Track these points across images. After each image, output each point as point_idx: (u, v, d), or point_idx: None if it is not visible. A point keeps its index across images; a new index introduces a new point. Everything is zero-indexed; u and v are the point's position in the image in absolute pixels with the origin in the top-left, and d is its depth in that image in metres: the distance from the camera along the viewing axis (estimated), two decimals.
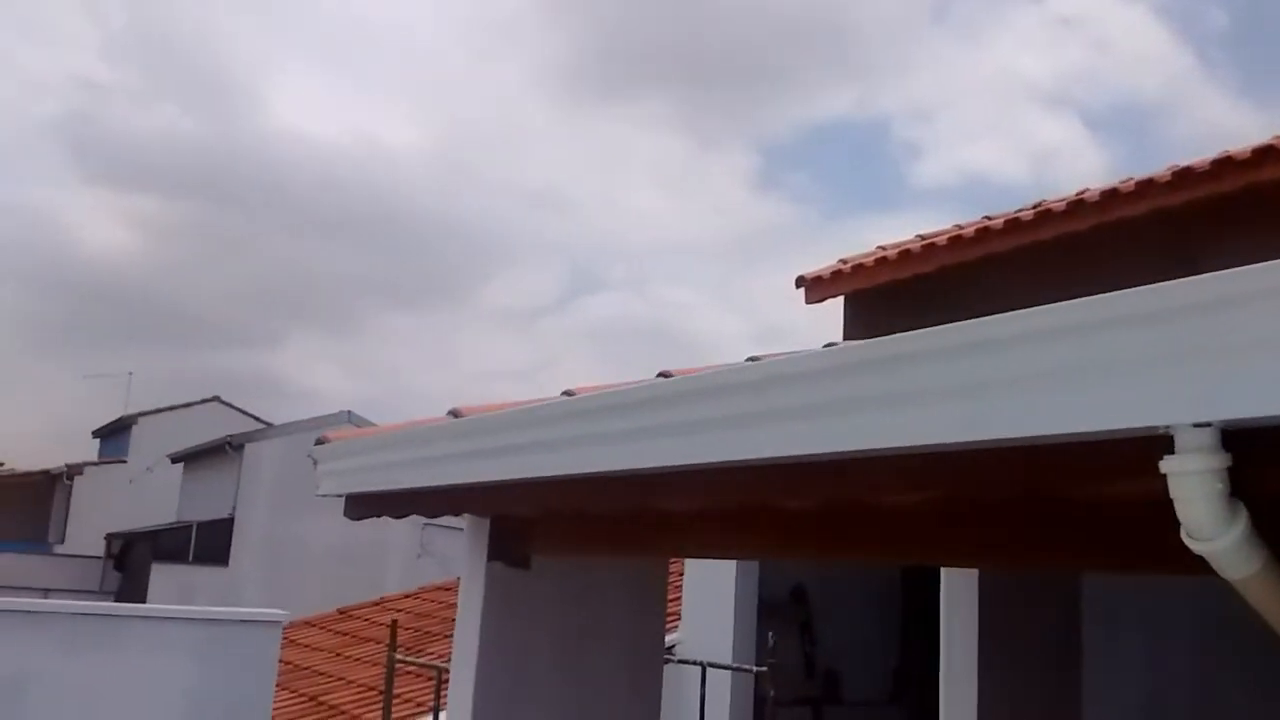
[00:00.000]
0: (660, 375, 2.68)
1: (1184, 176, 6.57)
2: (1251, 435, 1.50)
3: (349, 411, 21.89)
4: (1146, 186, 6.70)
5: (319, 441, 4.26)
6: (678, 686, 6.87)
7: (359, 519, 4.28)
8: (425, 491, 3.63)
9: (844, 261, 9.02)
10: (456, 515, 4.35)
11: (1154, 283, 5.29)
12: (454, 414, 4.35)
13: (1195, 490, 1.53)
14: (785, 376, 2.16)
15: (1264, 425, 1.45)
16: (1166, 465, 1.55)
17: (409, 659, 7.02)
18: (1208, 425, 1.50)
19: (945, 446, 1.85)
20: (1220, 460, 1.52)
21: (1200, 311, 1.50)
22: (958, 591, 4.07)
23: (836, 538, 2.79)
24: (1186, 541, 1.58)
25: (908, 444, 1.91)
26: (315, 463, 4.25)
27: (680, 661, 7.16)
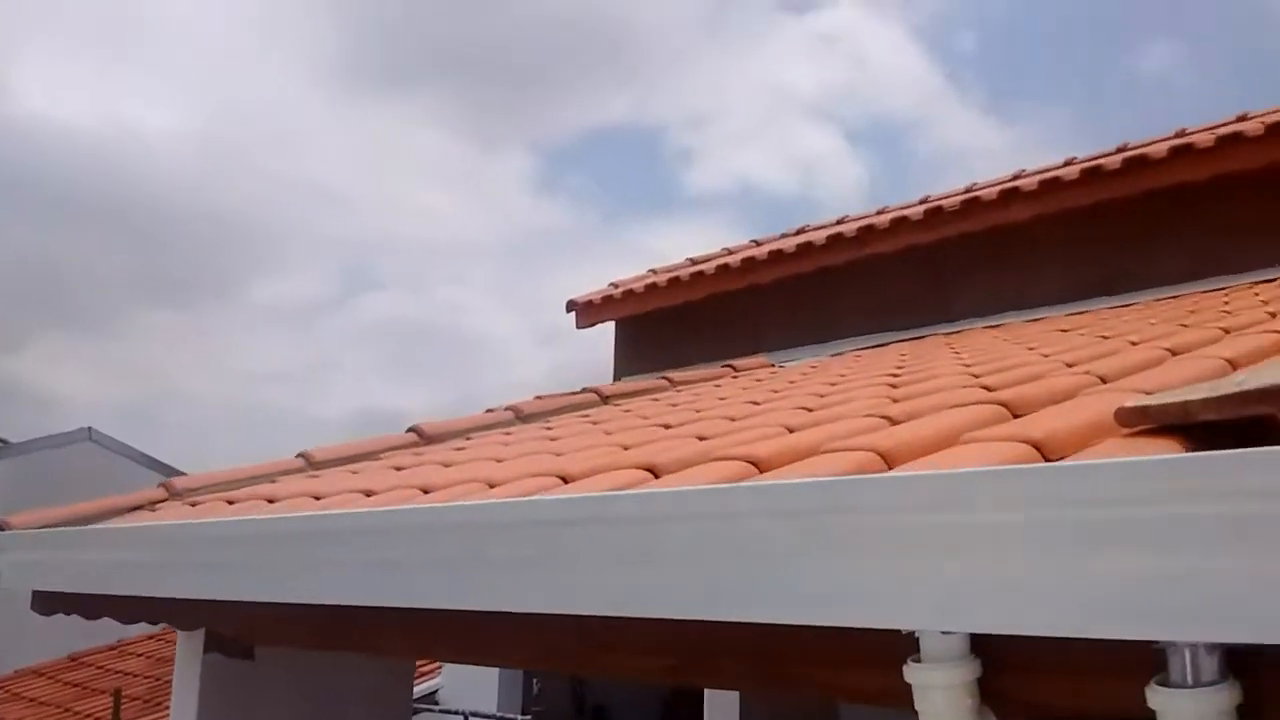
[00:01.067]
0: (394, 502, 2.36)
1: (935, 215, 6.77)
2: (1004, 641, 1.34)
3: (89, 429, 20.04)
4: (900, 224, 6.87)
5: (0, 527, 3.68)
6: None
7: (48, 614, 3.73)
8: (120, 599, 3.17)
9: (615, 285, 8.90)
10: (156, 624, 3.86)
11: (909, 315, 5.28)
12: (165, 487, 3.86)
13: (940, 704, 1.37)
14: (496, 525, 1.90)
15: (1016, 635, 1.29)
16: (910, 674, 1.38)
17: None
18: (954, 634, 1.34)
19: (676, 619, 1.64)
20: (969, 670, 1.36)
21: (945, 509, 1.32)
22: None
23: (590, 661, 2.53)
24: None
25: (629, 614, 1.69)
26: None
27: (443, 711, 6.81)
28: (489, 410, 7.49)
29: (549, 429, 4.20)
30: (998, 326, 6.10)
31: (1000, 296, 6.57)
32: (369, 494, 2.81)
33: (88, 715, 9.21)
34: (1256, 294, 4.69)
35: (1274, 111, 6.76)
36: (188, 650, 3.76)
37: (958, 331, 6.38)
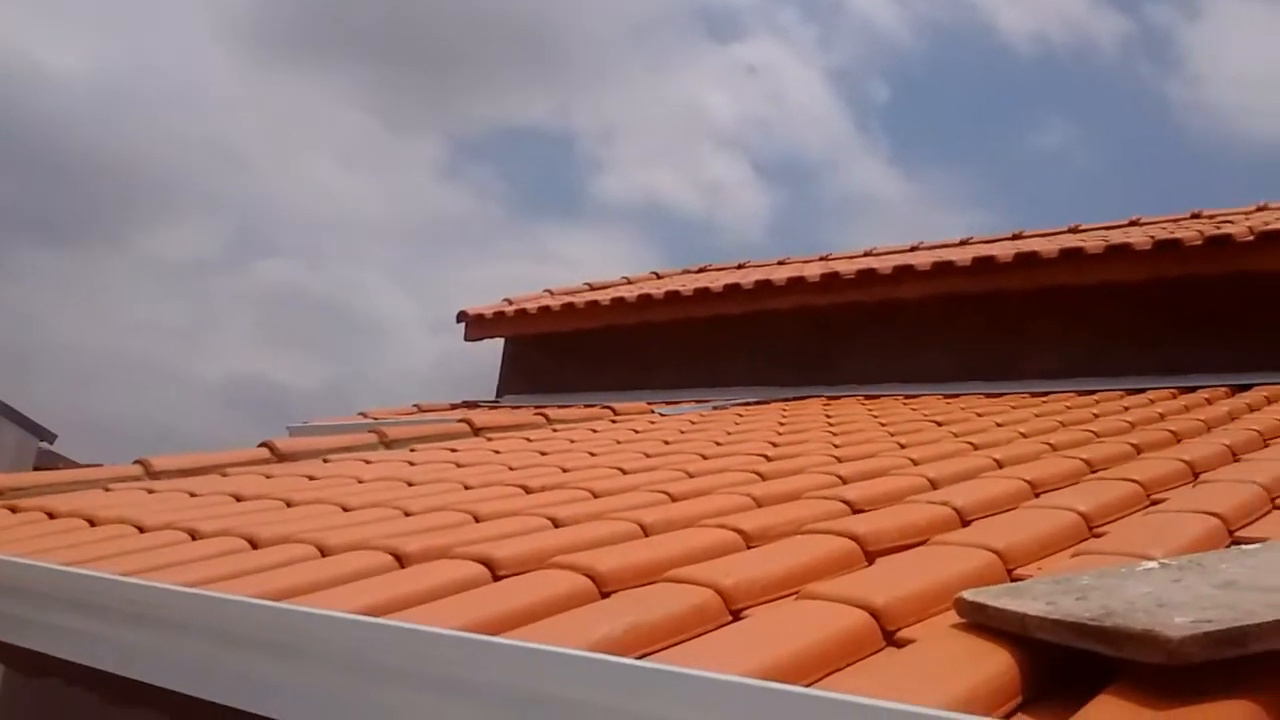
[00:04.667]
0: None
1: (831, 279, 6.83)
2: None
3: None
4: (796, 284, 6.91)
5: None
6: None
7: None
8: None
9: (509, 301, 8.76)
10: None
11: (796, 372, 5.31)
12: None
13: None
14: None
15: None
16: None
17: None
18: None
19: None
20: None
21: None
22: None
23: None
24: None
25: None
26: None
27: None
28: (362, 415, 7.28)
29: (410, 464, 4.06)
30: (876, 399, 6.16)
31: (885, 367, 6.65)
32: (194, 535, 2.65)
33: None
34: (1125, 407, 4.82)
35: (1161, 221, 7.01)
36: None
37: (838, 397, 6.44)
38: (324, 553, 2.33)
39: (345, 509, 2.96)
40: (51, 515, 3.13)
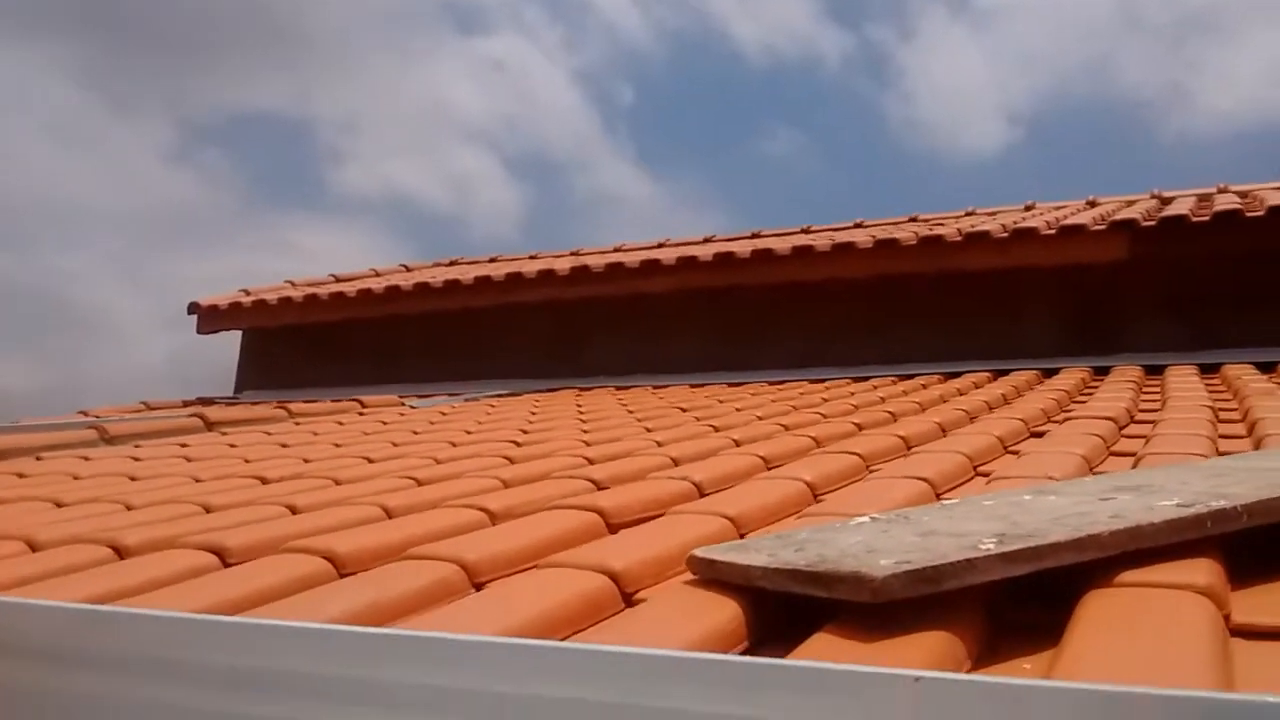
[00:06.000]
0: None
1: (581, 273, 6.94)
2: None
3: None
4: (547, 277, 6.97)
5: None
6: None
7: None
8: None
9: (246, 292, 8.35)
10: None
11: (548, 363, 5.33)
12: None
13: None
14: None
15: None
16: None
17: None
18: None
19: None
20: None
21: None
22: None
23: None
24: None
25: None
26: None
27: None
28: (82, 413, 6.71)
29: (135, 458, 3.79)
30: (627, 389, 6.31)
31: (634, 358, 6.83)
32: None
33: None
34: (851, 392, 5.17)
35: (883, 223, 7.57)
36: None
37: (589, 389, 6.55)
38: (34, 548, 2.14)
39: (59, 504, 2.73)
40: None
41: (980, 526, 1.45)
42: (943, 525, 1.55)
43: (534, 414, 5.06)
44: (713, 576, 1.46)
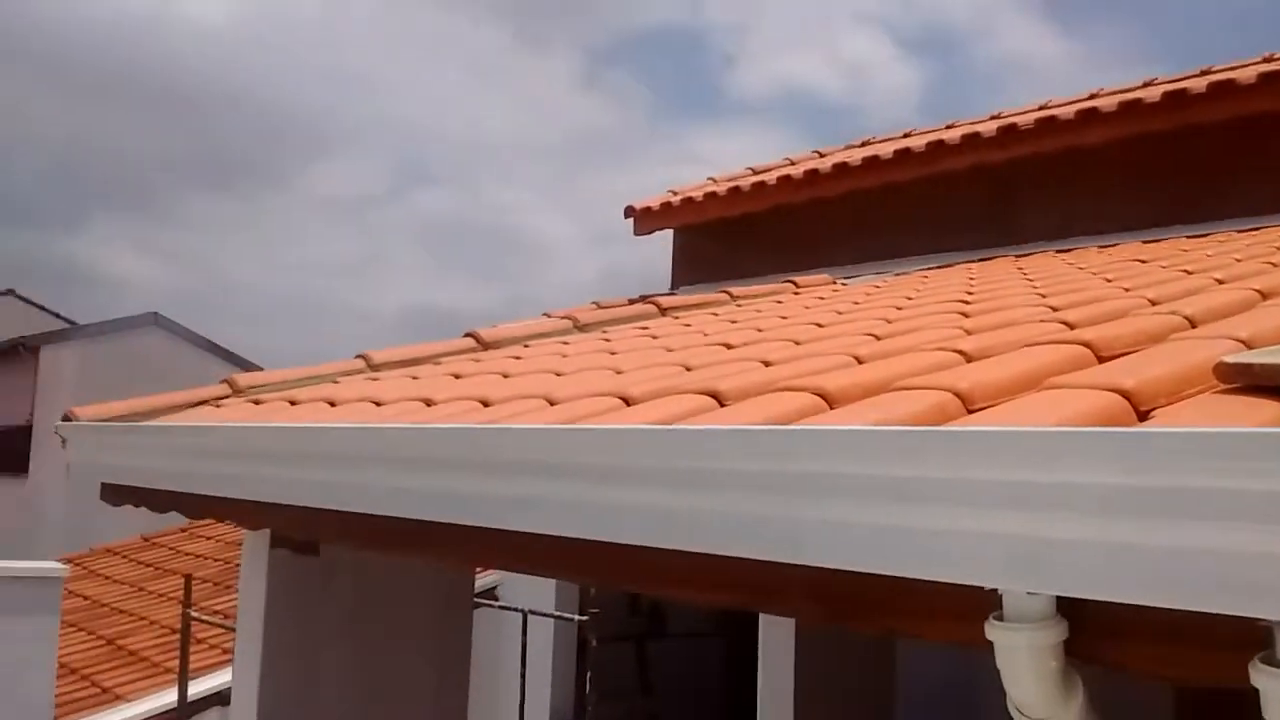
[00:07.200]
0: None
1: (1008, 133, 6.55)
2: (1094, 605, 1.27)
3: (155, 314, 20.50)
4: (971, 141, 6.65)
5: (65, 418, 3.76)
6: (498, 631, 6.70)
7: (117, 505, 3.82)
8: (184, 496, 3.23)
9: (674, 193, 8.77)
10: (223, 522, 3.94)
11: (977, 234, 5.17)
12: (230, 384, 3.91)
13: (1023, 666, 1.32)
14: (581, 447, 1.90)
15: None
16: (991, 632, 1.33)
17: (203, 618, 6.56)
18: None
19: (736, 559, 1.63)
20: (1054, 633, 1.30)
21: (1030, 469, 1.26)
22: None
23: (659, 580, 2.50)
24: (1014, 714, 1.39)
25: (688, 548, 1.68)
26: (63, 441, 3.76)
27: (501, 607, 6.94)
28: (546, 315, 7.48)
29: (607, 340, 4.18)
30: (1069, 251, 5.92)
31: (1073, 220, 6.37)
32: (429, 403, 2.82)
33: (160, 594, 9.57)
34: None
35: None
36: (255, 543, 3.83)
37: (1026, 255, 6.21)
38: (551, 403, 2.44)
39: (557, 374, 3.09)
40: (293, 403, 3.39)
41: None
42: None
43: (973, 279, 4.91)
44: (1249, 381, 1.36)
